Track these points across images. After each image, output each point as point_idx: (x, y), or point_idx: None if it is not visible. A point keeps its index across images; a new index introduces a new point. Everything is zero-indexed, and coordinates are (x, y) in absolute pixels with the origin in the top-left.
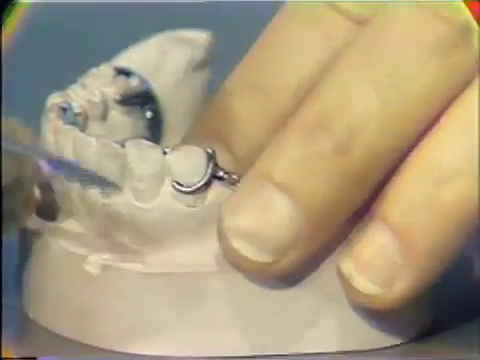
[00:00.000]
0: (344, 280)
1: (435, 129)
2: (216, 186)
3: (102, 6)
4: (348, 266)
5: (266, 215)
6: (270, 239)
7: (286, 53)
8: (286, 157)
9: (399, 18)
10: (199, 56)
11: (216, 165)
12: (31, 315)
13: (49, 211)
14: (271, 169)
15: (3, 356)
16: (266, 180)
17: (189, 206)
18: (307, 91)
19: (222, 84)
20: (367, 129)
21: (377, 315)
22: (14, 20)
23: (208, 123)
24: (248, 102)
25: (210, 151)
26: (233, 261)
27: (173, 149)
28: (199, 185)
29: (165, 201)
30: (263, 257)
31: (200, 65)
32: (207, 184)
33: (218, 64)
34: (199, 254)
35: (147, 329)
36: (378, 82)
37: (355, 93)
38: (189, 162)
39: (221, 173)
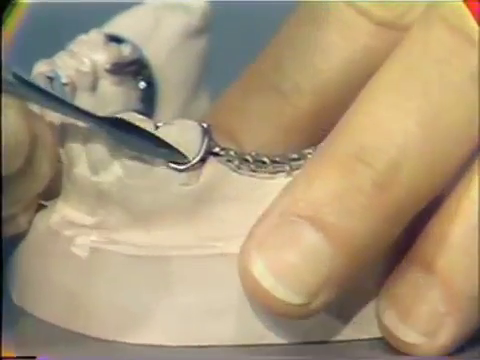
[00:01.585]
0: (386, 330)
1: (473, 169)
2: (212, 163)
3: (102, 6)
4: (391, 317)
5: (299, 253)
6: (303, 279)
7: (304, 54)
8: (321, 191)
9: (434, 40)
10: (195, 23)
11: (212, 140)
12: (16, 301)
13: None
14: (304, 203)
15: (3, 356)
16: (297, 216)
17: (183, 184)
18: (325, 96)
19: (236, 81)
20: (409, 165)
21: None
22: (14, 20)
23: (219, 120)
24: (263, 102)
25: (205, 125)
26: (260, 302)
27: (166, 123)
28: (194, 162)
29: (157, 179)
30: (295, 299)
31: (196, 32)
32: (202, 160)
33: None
34: (193, 236)
35: (137, 316)
36: (420, 114)
37: (396, 125)
38: (183, 137)
39: (217, 149)
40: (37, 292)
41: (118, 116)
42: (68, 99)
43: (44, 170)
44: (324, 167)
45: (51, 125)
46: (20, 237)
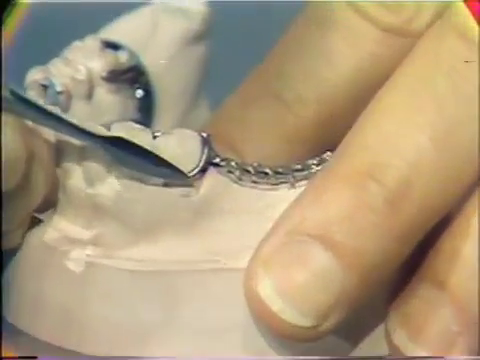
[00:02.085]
0: (395, 349)
1: None
2: (212, 174)
3: (103, 6)
4: (401, 336)
5: (307, 273)
6: (312, 301)
7: (307, 62)
8: (331, 209)
9: (446, 51)
10: (195, 28)
11: (212, 150)
12: (10, 319)
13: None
14: (313, 222)
15: (3, 356)
16: (306, 235)
17: (182, 196)
18: (329, 105)
19: (237, 89)
20: (421, 182)
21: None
22: (14, 20)
23: (219, 130)
24: (265, 111)
25: (205, 135)
26: (267, 323)
27: (164, 132)
28: (193, 173)
29: (155, 191)
30: (303, 321)
31: (196, 38)
32: (202, 171)
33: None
34: (193, 250)
35: (135, 333)
36: (432, 128)
37: (408, 141)
38: (182, 147)
39: (218, 159)
40: (30, 309)
41: (117, 135)
42: (66, 117)
43: (40, 187)
44: (333, 184)
45: (47, 141)
46: (13, 252)
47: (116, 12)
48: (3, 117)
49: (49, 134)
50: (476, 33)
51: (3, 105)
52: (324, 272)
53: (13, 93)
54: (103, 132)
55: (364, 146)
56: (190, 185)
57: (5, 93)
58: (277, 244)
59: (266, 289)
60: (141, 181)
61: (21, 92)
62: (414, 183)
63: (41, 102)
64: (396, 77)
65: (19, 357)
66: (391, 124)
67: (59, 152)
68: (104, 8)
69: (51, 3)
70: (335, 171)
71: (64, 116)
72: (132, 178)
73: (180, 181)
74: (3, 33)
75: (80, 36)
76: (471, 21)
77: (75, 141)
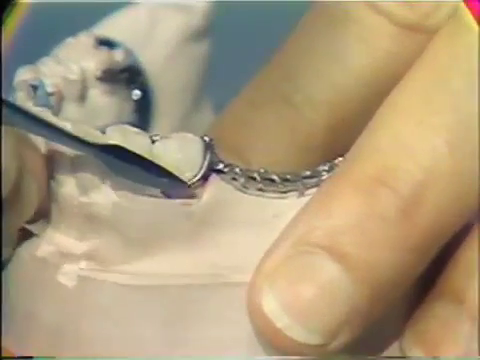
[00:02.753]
0: None
1: None
2: (215, 181)
3: (103, 6)
4: (418, 354)
5: (315, 288)
6: (320, 317)
7: (318, 61)
8: (340, 218)
9: (462, 49)
10: (195, 24)
11: (215, 156)
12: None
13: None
14: (321, 231)
15: (3, 356)
16: (313, 245)
17: (183, 205)
18: (342, 108)
19: (242, 91)
20: (436, 189)
21: None
22: (14, 20)
23: (223, 134)
24: (273, 115)
25: (207, 139)
26: (272, 341)
27: (163, 137)
28: (194, 180)
29: (154, 200)
30: (311, 339)
31: (197, 35)
32: (204, 178)
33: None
34: (194, 263)
35: (132, 352)
36: (448, 131)
37: (422, 144)
38: (182, 152)
39: (221, 165)
40: (21, 326)
41: (113, 143)
42: (58, 124)
43: (32, 198)
44: (343, 191)
45: (39, 149)
46: (2, 266)
47: (93, 18)
48: None
49: (40, 142)
50: (476, 33)
51: None
52: (333, 286)
53: (1, 100)
54: (98, 139)
55: (375, 149)
56: (191, 195)
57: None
58: (282, 256)
59: (270, 304)
60: (139, 191)
61: (9, 98)
62: (429, 190)
63: (30, 106)
64: (410, 76)
65: (19, 357)
66: (404, 126)
67: (50, 159)
68: (105, 8)
69: (51, 3)
70: (344, 176)
71: (56, 123)
72: (129, 188)
73: (180, 191)
74: (3, 33)
75: (69, 36)
76: (471, 21)
77: (69, 150)
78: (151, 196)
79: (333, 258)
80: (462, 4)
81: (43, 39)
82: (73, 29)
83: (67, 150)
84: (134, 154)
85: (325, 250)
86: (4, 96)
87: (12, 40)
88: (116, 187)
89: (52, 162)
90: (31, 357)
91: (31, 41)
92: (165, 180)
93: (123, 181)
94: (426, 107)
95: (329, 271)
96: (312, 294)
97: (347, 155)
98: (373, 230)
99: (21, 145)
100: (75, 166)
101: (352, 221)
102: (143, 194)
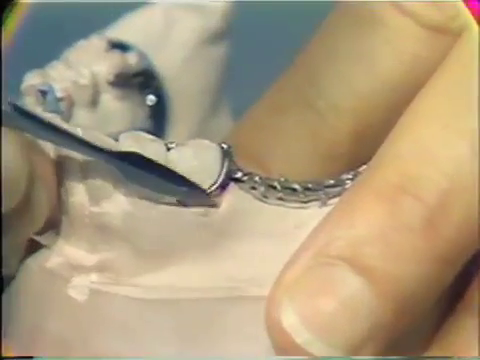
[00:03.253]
0: None
1: None
2: (233, 190)
3: (103, 6)
4: None
5: (337, 301)
6: (342, 332)
7: (343, 64)
8: (362, 228)
9: None
10: (213, 26)
11: (233, 164)
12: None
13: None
14: (342, 242)
15: (3, 356)
16: (335, 257)
17: (199, 215)
18: (368, 114)
19: (263, 96)
20: (463, 197)
21: None
22: (14, 20)
23: (242, 141)
24: (295, 122)
25: (226, 146)
26: (291, 357)
27: (179, 144)
28: (212, 189)
29: (169, 209)
30: (333, 354)
31: (214, 37)
32: (222, 187)
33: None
34: (210, 276)
35: None
36: (473, 136)
37: (447, 151)
38: (199, 160)
39: (240, 174)
40: (28, 340)
41: (128, 150)
42: (70, 130)
43: (42, 208)
44: (365, 199)
45: (50, 157)
46: (9, 278)
47: (119, 13)
48: (2, 132)
49: (49, 148)
50: (476, 33)
51: (3, 120)
52: (355, 300)
53: (14, 107)
54: (111, 146)
55: (397, 156)
56: (209, 204)
57: (4, 107)
58: (302, 268)
59: (290, 319)
60: (154, 200)
61: (18, 102)
62: (454, 197)
63: (40, 111)
64: (434, 80)
65: (19, 357)
66: (427, 131)
67: (60, 167)
68: (106, 9)
69: (51, 3)
70: (366, 185)
71: (68, 128)
72: (143, 196)
73: (199, 199)
74: (3, 33)
75: (82, 37)
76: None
77: (80, 156)
78: (166, 204)
79: (355, 270)
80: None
81: (43, 39)
82: (74, 29)
83: (77, 157)
84: (150, 161)
85: (347, 262)
86: (4, 96)
87: (12, 40)
88: (129, 196)
89: (61, 170)
90: (31, 357)
91: (31, 41)
92: (183, 189)
93: (137, 189)
94: (449, 112)
95: (351, 284)
96: (333, 308)
97: (370, 163)
98: (397, 241)
99: (31, 152)
100: (86, 173)
101: (375, 231)
102: (158, 202)
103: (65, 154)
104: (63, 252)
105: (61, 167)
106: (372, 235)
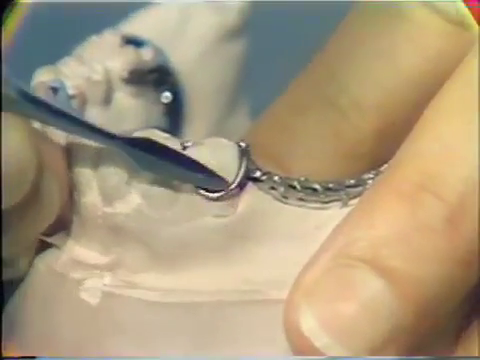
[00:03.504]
0: None
1: None
2: (252, 190)
3: (104, 6)
4: None
5: (357, 304)
6: (363, 337)
7: (365, 60)
8: (383, 228)
9: None
10: (230, 23)
11: (252, 163)
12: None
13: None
14: (363, 243)
15: (3, 356)
16: (355, 258)
17: (216, 216)
18: (391, 112)
19: (282, 94)
20: None
21: None
22: (14, 20)
23: (261, 140)
24: (316, 120)
25: (244, 145)
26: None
27: (196, 142)
28: (230, 188)
29: (185, 210)
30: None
31: (232, 34)
32: (240, 187)
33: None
34: (227, 278)
35: None
36: None
37: (468, 149)
38: (216, 159)
39: (258, 173)
40: (37, 345)
41: (143, 136)
42: (82, 116)
43: (52, 203)
44: (385, 198)
45: (61, 148)
46: (18, 280)
47: (120, 14)
48: (6, 119)
49: (60, 138)
50: (476, 32)
51: (6, 105)
52: (375, 302)
53: (19, 92)
54: (125, 134)
55: (418, 154)
56: (224, 195)
57: (9, 91)
58: (322, 270)
59: (309, 322)
60: (169, 189)
61: (26, 89)
62: (475, 196)
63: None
64: (456, 76)
65: (19, 357)
66: (449, 128)
67: (70, 161)
68: (106, 9)
69: (51, 3)
70: (387, 183)
71: (77, 114)
72: (157, 187)
73: (217, 188)
74: (3, 33)
75: (82, 37)
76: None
77: (91, 144)
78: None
79: (376, 272)
80: None
81: (43, 39)
82: (74, 29)
83: (90, 147)
84: (164, 147)
85: (367, 263)
86: (9, 81)
87: (12, 40)
88: (143, 196)
89: (73, 169)
90: (34, 357)
91: (31, 41)
92: (199, 175)
93: (152, 180)
94: (472, 109)
95: (371, 286)
96: (353, 311)
97: (391, 161)
98: (419, 241)
99: (40, 143)
100: (98, 173)
101: (395, 232)
102: (175, 199)
103: (77, 153)
104: (74, 253)
105: (73, 166)
106: (393, 235)
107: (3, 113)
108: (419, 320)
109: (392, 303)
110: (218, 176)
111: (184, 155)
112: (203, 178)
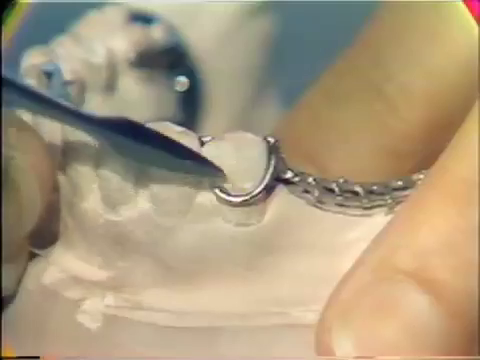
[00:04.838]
0: None
1: None
2: (282, 193)
3: (103, 6)
4: None
5: (400, 324)
6: None
7: (413, 43)
8: (430, 237)
9: None
10: None
11: (282, 161)
12: None
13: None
14: (407, 252)
15: (3, 356)
16: (398, 271)
17: (239, 224)
18: (443, 101)
19: (318, 80)
20: None
21: None
22: (14, 20)
23: (293, 135)
24: (358, 111)
25: (272, 140)
26: None
27: (216, 137)
28: (256, 191)
29: (201, 216)
30: None
31: (257, 9)
32: (267, 190)
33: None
34: (253, 299)
35: None
36: None
37: None
38: (240, 157)
39: (290, 174)
40: None
41: (122, 116)
42: (67, 103)
43: (32, 200)
44: (432, 201)
45: (43, 145)
46: (6, 299)
47: None
48: None
49: (52, 131)
50: (476, 33)
51: None
52: (420, 322)
53: (1, 99)
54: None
55: (469, 150)
56: (248, 199)
57: None
58: (359, 285)
59: (344, 346)
60: (181, 192)
61: (12, 76)
62: None
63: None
64: None
65: (20, 357)
66: None
67: (66, 159)
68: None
69: (51, 3)
70: (434, 184)
71: (47, 94)
72: (168, 190)
73: (210, 177)
74: (3, 33)
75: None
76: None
77: (91, 141)
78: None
79: (421, 286)
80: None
81: (43, 39)
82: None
83: (90, 147)
84: (146, 129)
85: (411, 276)
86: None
87: (12, 40)
88: (153, 201)
89: (72, 169)
90: (34, 357)
91: (31, 41)
92: (187, 162)
93: (162, 189)
94: None
95: (416, 303)
96: (395, 333)
97: (439, 159)
98: (470, 251)
99: (20, 133)
100: (100, 174)
101: (444, 240)
102: (189, 202)
103: (74, 151)
104: (69, 267)
105: (70, 167)
106: (440, 244)
107: None
108: (469, 341)
109: (440, 322)
110: (212, 164)
111: (167, 138)
112: (191, 164)
